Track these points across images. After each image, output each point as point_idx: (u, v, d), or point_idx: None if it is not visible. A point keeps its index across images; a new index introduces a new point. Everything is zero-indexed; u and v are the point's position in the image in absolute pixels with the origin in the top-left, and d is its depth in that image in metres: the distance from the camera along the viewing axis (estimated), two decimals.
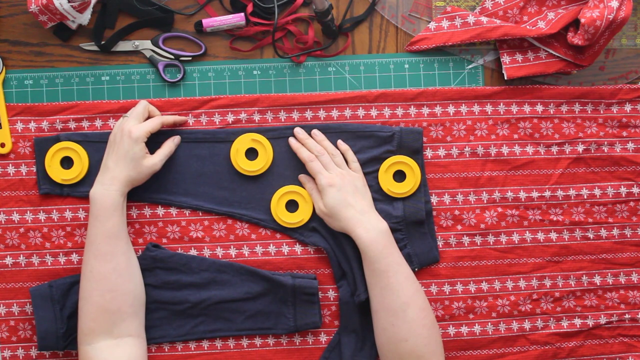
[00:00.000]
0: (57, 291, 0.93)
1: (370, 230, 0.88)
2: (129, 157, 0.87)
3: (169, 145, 0.92)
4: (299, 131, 0.95)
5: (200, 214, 0.96)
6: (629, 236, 0.99)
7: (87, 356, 0.85)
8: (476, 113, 0.98)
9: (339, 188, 0.90)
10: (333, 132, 0.96)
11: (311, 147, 0.94)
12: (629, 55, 1.00)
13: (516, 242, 0.98)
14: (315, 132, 0.95)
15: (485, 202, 0.97)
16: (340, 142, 0.95)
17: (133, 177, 0.88)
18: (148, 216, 0.96)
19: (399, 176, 0.96)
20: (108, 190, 0.87)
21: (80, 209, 0.95)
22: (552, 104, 0.98)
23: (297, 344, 0.96)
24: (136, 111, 0.91)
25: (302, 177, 0.95)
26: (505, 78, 0.96)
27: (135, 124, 0.89)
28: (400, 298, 0.86)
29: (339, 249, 0.94)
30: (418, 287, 0.88)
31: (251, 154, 0.95)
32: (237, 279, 0.95)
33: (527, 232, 0.98)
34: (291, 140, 0.95)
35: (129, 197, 0.93)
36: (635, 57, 1.00)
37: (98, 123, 0.96)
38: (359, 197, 0.91)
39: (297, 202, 0.95)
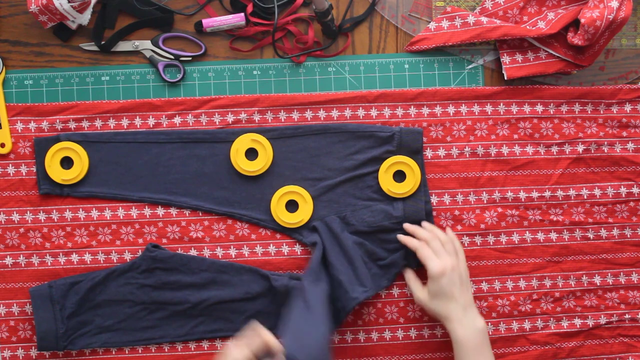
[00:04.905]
0: (57, 291, 0.93)
1: (467, 327, 0.86)
2: None
3: None
4: (408, 226, 0.93)
5: (200, 214, 0.96)
6: (629, 236, 0.99)
7: None
8: (476, 113, 0.98)
9: (449, 278, 0.87)
10: (333, 132, 0.96)
11: (420, 234, 0.92)
12: (629, 55, 1.00)
13: (516, 242, 0.98)
14: (424, 223, 0.94)
15: (485, 202, 0.97)
16: (448, 229, 0.94)
17: None
18: (148, 216, 0.96)
19: (399, 176, 0.96)
20: None
21: (80, 209, 0.95)
22: (552, 104, 0.98)
23: None
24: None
25: (405, 272, 0.95)
26: (505, 78, 0.96)
27: None
28: None
29: (339, 249, 0.93)
30: None
31: (251, 154, 0.95)
32: (237, 279, 0.95)
33: (527, 232, 0.98)
34: (400, 237, 0.93)
35: (127, 197, 0.94)
36: (635, 57, 1.00)
37: (98, 123, 0.96)
38: (464, 289, 0.88)
39: (297, 202, 0.95)
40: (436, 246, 0.90)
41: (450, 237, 0.92)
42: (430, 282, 0.88)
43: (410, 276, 0.94)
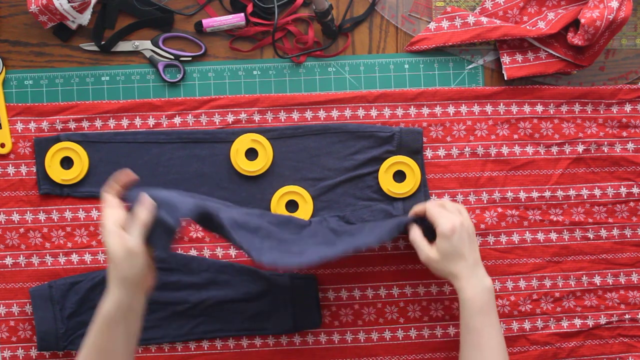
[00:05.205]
0: (57, 292, 0.93)
1: (475, 286, 0.85)
2: None
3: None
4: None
5: None
6: (629, 236, 0.99)
7: None
8: (476, 113, 0.98)
9: (459, 235, 0.85)
10: (333, 132, 0.96)
11: (418, 207, 0.91)
12: (629, 55, 1.00)
13: (516, 242, 0.98)
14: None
15: (485, 202, 0.97)
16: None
17: None
18: None
19: (399, 176, 0.96)
20: None
21: (80, 209, 0.95)
22: (552, 104, 0.98)
23: (297, 344, 0.96)
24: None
25: (412, 228, 0.90)
26: (505, 78, 0.96)
27: None
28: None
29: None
30: (507, 357, 0.86)
31: (251, 154, 0.95)
32: (237, 280, 0.95)
33: (527, 232, 0.98)
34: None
35: (125, 196, 0.94)
36: (635, 57, 1.00)
37: (98, 123, 0.96)
38: (472, 247, 0.87)
39: (297, 202, 0.95)
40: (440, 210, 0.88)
41: (448, 200, 0.91)
42: (441, 240, 0.85)
43: (416, 233, 0.88)
